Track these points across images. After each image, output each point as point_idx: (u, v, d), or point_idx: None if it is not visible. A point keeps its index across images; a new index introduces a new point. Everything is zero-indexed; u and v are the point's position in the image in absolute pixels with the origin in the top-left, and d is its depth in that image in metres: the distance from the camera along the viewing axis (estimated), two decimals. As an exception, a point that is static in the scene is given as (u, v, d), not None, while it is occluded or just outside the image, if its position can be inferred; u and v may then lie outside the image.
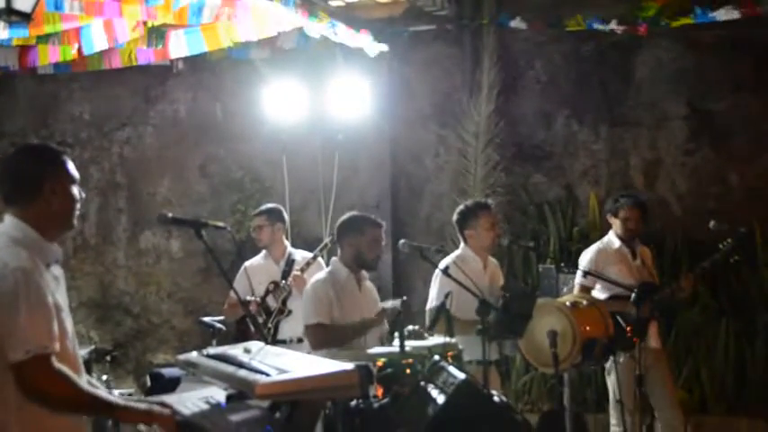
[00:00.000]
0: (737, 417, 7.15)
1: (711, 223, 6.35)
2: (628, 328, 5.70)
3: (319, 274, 5.73)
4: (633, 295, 5.83)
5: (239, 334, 6.51)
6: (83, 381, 3.25)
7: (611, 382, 6.14)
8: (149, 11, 5.77)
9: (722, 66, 8.16)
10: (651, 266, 6.46)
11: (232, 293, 6.39)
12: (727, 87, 8.17)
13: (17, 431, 3.03)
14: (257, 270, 6.75)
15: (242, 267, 6.79)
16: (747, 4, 6.98)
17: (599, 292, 6.20)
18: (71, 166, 3.30)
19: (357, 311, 5.50)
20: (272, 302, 6.69)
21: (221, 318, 6.84)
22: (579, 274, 6.24)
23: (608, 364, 6.08)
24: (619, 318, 5.65)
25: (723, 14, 7.01)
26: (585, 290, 6.21)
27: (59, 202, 3.23)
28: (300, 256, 6.86)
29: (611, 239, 6.39)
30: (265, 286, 6.70)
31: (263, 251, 6.91)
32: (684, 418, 6.21)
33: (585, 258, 6.37)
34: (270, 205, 7.06)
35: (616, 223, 6.38)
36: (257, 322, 6.04)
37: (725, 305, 7.55)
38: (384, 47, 7.41)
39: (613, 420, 6.17)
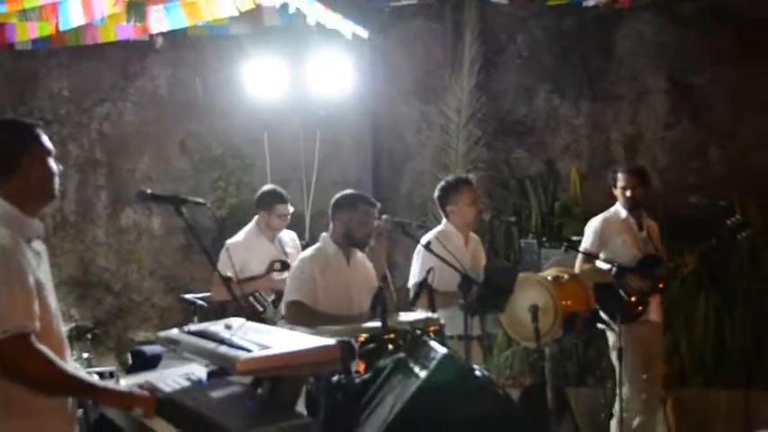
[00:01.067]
0: (716, 388, 7.19)
1: (692, 197, 6.36)
2: (632, 299, 5.71)
3: (307, 251, 5.69)
4: (614, 269, 5.85)
5: (237, 311, 6.48)
6: (68, 358, 3.24)
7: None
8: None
9: (703, 39, 8.16)
10: (657, 240, 6.43)
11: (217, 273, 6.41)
12: (708, 61, 8.18)
13: (1, 407, 3.03)
14: (255, 248, 6.67)
15: (225, 247, 6.74)
16: None
17: (601, 265, 6.14)
18: (45, 139, 3.27)
19: (344, 287, 5.46)
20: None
21: (204, 295, 6.82)
22: (583, 245, 6.20)
23: (611, 339, 6.09)
24: (621, 291, 5.66)
25: None
26: (589, 259, 6.16)
27: (37, 175, 3.20)
28: (288, 236, 6.84)
29: (618, 209, 6.38)
30: (267, 264, 6.63)
31: (250, 230, 6.83)
32: (663, 395, 6.22)
33: (591, 227, 6.35)
34: (282, 190, 6.99)
35: (618, 194, 6.37)
36: (238, 299, 6.02)
37: (704, 278, 7.57)
38: (359, 30, 7.36)
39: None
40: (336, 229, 5.54)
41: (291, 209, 6.83)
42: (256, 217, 6.88)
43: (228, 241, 6.78)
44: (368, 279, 5.64)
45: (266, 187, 6.97)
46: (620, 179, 6.35)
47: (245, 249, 6.66)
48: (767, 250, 7.58)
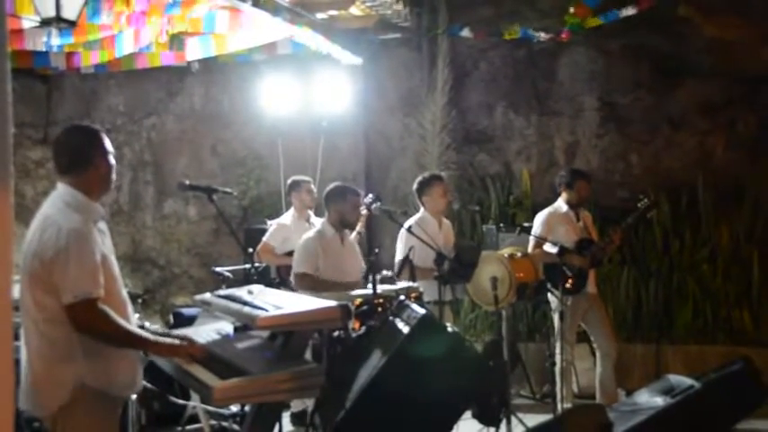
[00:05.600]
0: (634, 343, 7.18)
1: (619, 192, 6.30)
2: (570, 277, 5.65)
3: (310, 231, 5.62)
4: (556, 249, 5.80)
5: (280, 278, 6.45)
6: (130, 314, 3.23)
7: (556, 318, 5.97)
8: (168, 19, 5.65)
9: (626, 68, 8.13)
10: (591, 226, 6.32)
11: (267, 242, 6.52)
12: (630, 85, 8.14)
13: (80, 351, 3.03)
14: (297, 228, 6.50)
15: (275, 224, 6.70)
16: (642, 3, 7.02)
17: (549, 247, 5.97)
18: (108, 140, 3.30)
19: (339, 263, 5.40)
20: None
21: (230, 268, 6.74)
22: (534, 231, 6.05)
23: (554, 305, 5.98)
24: (565, 268, 5.60)
25: (625, 12, 7.12)
26: (539, 245, 6.01)
27: (105, 168, 3.21)
28: (313, 218, 6.75)
29: (561, 205, 6.19)
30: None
31: (292, 215, 6.74)
32: (617, 347, 6.13)
33: (540, 219, 6.17)
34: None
35: (570, 193, 6.16)
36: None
37: (626, 257, 7.55)
38: (354, 58, 7.28)
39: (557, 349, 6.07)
40: (332, 216, 5.46)
41: (314, 188, 6.75)
42: (292, 207, 6.79)
43: (277, 221, 6.72)
44: (357, 257, 5.60)
45: (291, 178, 6.91)
46: (578, 183, 6.15)
47: (289, 229, 6.60)
48: (675, 235, 7.57)
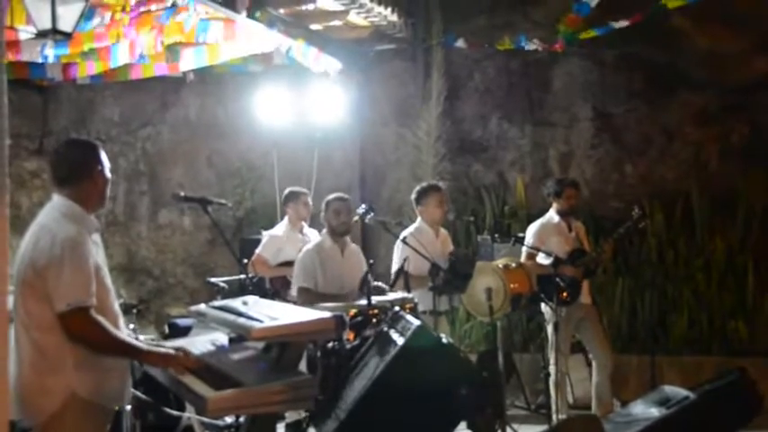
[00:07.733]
0: (629, 354, 7.19)
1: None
2: (563, 289, 5.66)
3: (309, 244, 5.66)
4: (552, 259, 5.80)
5: (274, 289, 6.45)
6: (121, 325, 3.24)
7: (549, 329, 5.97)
8: (161, 28, 5.67)
9: (620, 78, 8.17)
10: (584, 237, 6.33)
11: (260, 254, 6.49)
12: (624, 95, 8.18)
13: (71, 360, 3.03)
14: (291, 239, 6.54)
15: (268, 236, 6.68)
16: (634, 16, 7.13)
17: (543, 259, 5.97)
18: (104, 155, 3.31)
19: (338, 274, 5.44)
20: None
21: (225, 278, 6.74)
22: (526, 244, 6.05)
23: (548, 315, 5.98)
24: (558, 279, 5.62)
25: (617, 24, 7.21)
26: (531, 256, 6.02)
27: (103, 181, 3.23)
28: (312, 233, 6.74)
29: (552, 216, 6.20)
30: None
31: (285, 225, 6.75)
32: (613, 358, 6.13)
33: (531, 231, 6.18)
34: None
35: (559, 202, 6.17)
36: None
37: (621, 267, 7.57)
38: (335, 64, 7.23)
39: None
40: (326, 227, 5.56)
41: (310, 201, 6.78)
42: (287, 216, 6.80)
43: (269, 232, 6.73)
44: (358, 267, 5.59)
45: (288, 189, 6.92)
46: (567, 190, 6.16)
47: (282, 240, 6.61)
48: (670, 245, 7.59)
